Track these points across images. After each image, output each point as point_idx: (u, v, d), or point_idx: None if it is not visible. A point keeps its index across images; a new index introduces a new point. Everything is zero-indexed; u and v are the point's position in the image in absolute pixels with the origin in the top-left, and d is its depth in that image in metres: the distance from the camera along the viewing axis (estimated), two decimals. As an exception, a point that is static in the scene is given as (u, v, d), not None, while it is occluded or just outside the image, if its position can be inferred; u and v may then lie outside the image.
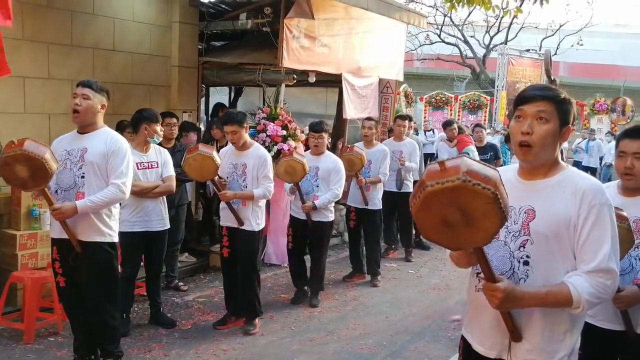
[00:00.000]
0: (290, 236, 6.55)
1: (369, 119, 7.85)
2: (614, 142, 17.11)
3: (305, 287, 6.65)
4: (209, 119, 10.25)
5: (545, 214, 2.30)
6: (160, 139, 5.57)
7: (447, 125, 9.90)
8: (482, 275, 2.25)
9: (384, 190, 8.29)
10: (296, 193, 6.26)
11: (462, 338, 2.63)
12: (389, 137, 9.36)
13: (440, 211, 2.01)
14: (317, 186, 6.34)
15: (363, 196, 7.28)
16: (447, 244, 2.12)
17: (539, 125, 2.30)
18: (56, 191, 4.18)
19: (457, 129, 9.76)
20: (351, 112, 9.03)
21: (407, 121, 8.67)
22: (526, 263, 2.33)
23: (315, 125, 6.48)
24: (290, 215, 6.59)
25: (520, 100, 2.39)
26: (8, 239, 5.65)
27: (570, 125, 2.37)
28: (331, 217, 6.52)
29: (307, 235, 6.49)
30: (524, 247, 2.33)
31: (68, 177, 4.18)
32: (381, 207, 7.58)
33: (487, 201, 1.96)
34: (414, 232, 8.94)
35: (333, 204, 6.49)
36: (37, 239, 5.68)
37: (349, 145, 7.47)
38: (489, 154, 9.60)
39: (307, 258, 6.72)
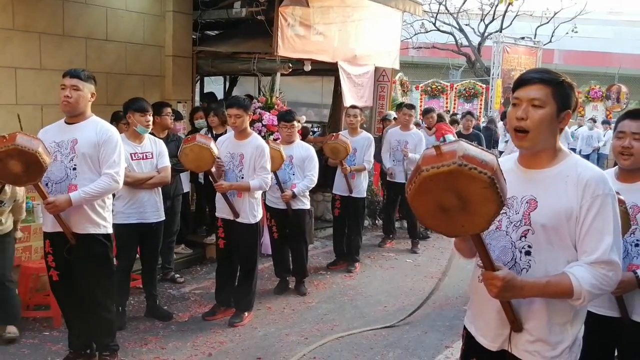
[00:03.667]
0: (275, 226, 6.53)
1: (353, 107, 7.82)
2: (599, 130, 17.21)
3: (288, 277, 6.68)
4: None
5: (547, 205, 2.27)
6: (148, 130, 5.39)
7: (425, 113, 9.84)
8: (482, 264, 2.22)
9: (389, 180, 8.27)
10: (273, 183, 6.23)
11: (465, 328, 2.61)
12: (383, 125, 9.28)
13: (436, 196, 1.99)
14: (293, 174, 6.38)
15: (348, 184, 7.30)
16: (444, 230, 2.09)
17: (534, 110, 2.26)
18: (47, 184, 4.10)
19: (435, 117, 9.69)
20: (348, 100, 8.97)
21: (413, 110, 8.59)
22: (528, 253, 2.30)
23: (287, 115, 6.50)
24: (268, 206, 6.55)
25: (517, 83, 2.36)
26: (1, 232, 5.57)
27: (569, 110, 2.32)
28: (308, 204, 6.57)
29: (286, 225, 6.49)
30: (525, 237, 2.30)
31: (59, 169, 4.11)
32: (365, 195, 7.67)
33: (484, 185, 1.93)
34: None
35: (308, 192, 6.54)
36: (31, 232, 5.61)
37: (334, 133, 7.46)
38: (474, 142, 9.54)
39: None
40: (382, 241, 8.88)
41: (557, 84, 2.29)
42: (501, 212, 2.31)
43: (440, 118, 9.91)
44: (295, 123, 6.54)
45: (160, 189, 5.49)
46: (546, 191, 2.29)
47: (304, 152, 6.44)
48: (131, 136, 5.30)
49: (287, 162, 6.27)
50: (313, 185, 6.48)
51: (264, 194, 6.22)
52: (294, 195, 6.28)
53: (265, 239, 7.51)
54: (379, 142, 9.01)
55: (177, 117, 7.29)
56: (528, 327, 2.32)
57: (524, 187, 2.34)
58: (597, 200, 2.22)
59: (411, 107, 8.69)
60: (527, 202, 2.32)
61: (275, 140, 7.23)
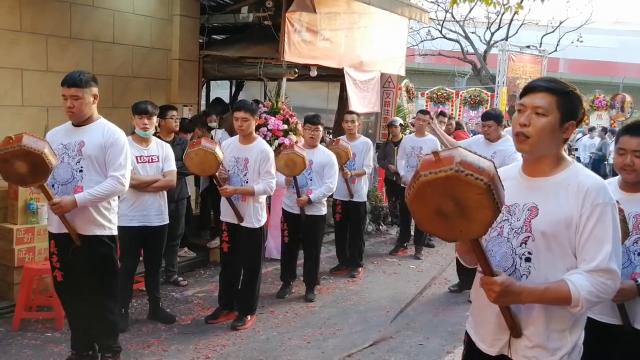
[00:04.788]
0: (286, 230, 6.52)
1: (350, 112, 7.82)
2: (606, 140, 17.17)
3: (291, 282, 6.66)
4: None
5: (548, 213, 2.28)
6: (146, 133, 5.34)
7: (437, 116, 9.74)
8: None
9: (403, 186, 8.23)
10: (290, 186, 6.22)
11: (467, 333, 2.61)
12: (388, 132, 9.26)
13: (434, 201, 2.02)
14: (311, 179, 6.33)
15: (348, 189, 7.30)
16: (442, 235, 2.12)
17: (537, 118, 2.28)
18: (53, 185, 4.10)
19: (454, 124, 9.64)
20: (354, 106, 8.98)
21: (427, 116, 8.43)
22: (528, 260, 2.31)
23: (312, 118, 6.44)
24: (283, 210, 6.54)
25: (525, 90, 2.38)
26: (5, 233, 5.58)
27: (574, 121, 2.33)
28: (324, 210, 6.53)
29: (299, 230, 6.47)
30: (526, 244, 2.32)
31: (65, 171, 4.12)
32: (366, 199, 7.67)
33: (480, 192, 1.95)
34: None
35: (325, 199, 6.49)
36: (35, 233, 5.62)
37: (335, 139, 7.45)
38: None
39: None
40: (396, 249, 8.79)
41: (563, 93, 2.30)
42: (503, 218, 2.35)
43: (458, 126, 9.91)
44: (320, 127, 6.49)
45: (164, 192, 5.49)
46: (547, 199, 2.31)
47: (324, 159, 6.38)
48: (137, 139, 5.31)
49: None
50: (330, 193, 6.42)
51: (268, 198, 6.22)
52: (309, 201, 6.24)
53: (269, 243, 7.53)
54: (383, 148, 9.02)
55: (188, 128, 7.26)
56: (527, 333, 2.33)
57: (526, 195, 2.35)
58: (597, 208, 2.23)
59: (425, 112, 8.57)
60: (528, 209, 2.33)
61: (280, 145, 7.25)
